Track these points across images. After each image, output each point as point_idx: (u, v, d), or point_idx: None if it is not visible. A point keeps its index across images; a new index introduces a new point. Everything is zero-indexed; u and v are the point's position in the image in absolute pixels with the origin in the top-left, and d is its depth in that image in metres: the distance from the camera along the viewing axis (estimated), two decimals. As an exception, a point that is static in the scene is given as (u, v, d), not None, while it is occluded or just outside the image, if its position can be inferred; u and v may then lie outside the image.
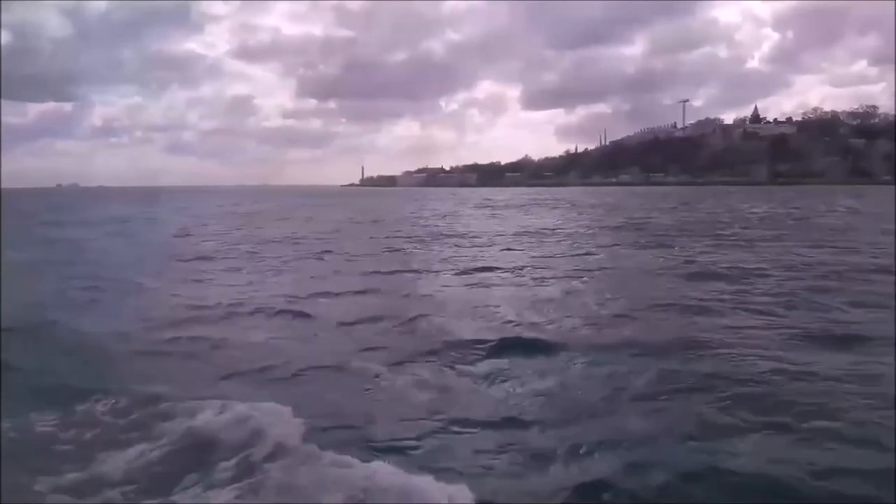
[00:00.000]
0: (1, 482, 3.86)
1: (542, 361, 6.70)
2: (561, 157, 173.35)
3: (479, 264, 15.07)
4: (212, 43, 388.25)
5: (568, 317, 9.02)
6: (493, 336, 7.65)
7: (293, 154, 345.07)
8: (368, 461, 4.12)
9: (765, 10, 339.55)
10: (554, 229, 26.64)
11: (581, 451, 4.49)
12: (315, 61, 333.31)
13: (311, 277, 13.41)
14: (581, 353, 6.93)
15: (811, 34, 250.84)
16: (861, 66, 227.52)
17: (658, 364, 6.39)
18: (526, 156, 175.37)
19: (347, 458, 4.07)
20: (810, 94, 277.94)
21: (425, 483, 3.79)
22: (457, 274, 13.76)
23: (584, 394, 5.73)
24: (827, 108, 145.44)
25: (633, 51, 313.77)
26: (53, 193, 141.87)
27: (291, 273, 14.17)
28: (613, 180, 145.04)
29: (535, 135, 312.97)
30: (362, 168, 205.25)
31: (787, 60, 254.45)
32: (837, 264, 13.92)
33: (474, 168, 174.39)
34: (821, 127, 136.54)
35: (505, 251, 18.27)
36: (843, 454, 4.38)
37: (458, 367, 6.57)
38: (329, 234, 25.65)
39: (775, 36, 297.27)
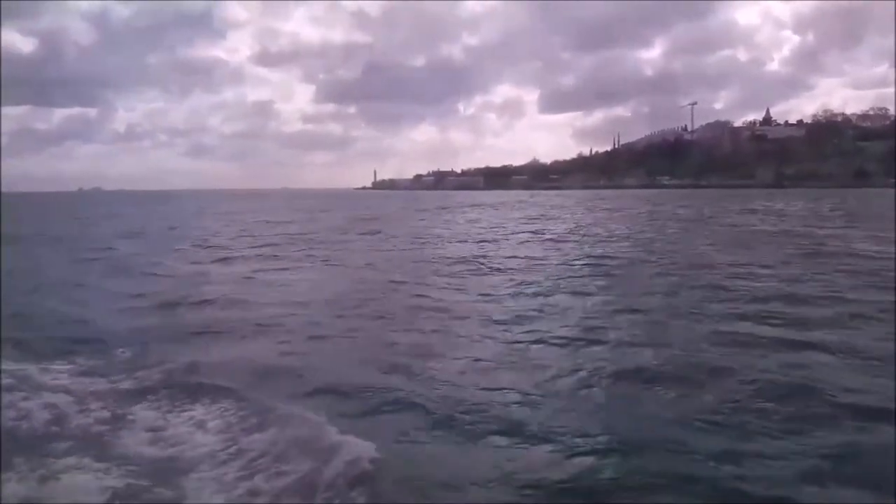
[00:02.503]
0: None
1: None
2: (570, 160, 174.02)
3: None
4: (233, 48, 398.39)
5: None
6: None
7: (313, 158, 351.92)
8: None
9: (784, 12, 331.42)
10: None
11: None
12: (334, 66, 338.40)
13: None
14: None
15: (832, 36, 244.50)
16: (883, 68, 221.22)
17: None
18: (533, 159, 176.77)
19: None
20: (833, 96, 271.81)
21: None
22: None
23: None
24: (849, 111, 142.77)
25: (651, 53, 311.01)
26: (69, 196, 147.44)
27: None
28: (620, 183, 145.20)
29: (553, 138, 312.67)
30: (374, 171, 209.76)
31: (807, 63, 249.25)
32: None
33: (483, 171, 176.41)
34: (829, 130, 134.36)
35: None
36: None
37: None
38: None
39: (795, 38, 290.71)
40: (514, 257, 16.29)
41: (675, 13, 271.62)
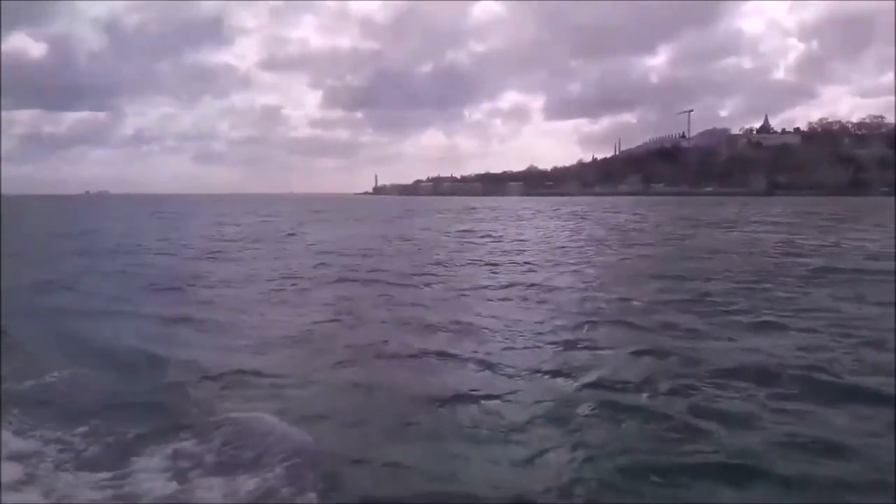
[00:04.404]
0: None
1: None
2: (568, 166, 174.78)
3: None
4: (242, 54, 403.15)
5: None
6: None
7: (320, 163, 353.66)
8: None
9: (789, 21, 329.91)
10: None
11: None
12: (342, 72, 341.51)
13: None
14: None
15: (837, 44, 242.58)
16: (889, 76, 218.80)
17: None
18: (531, 165, 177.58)
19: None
20: (839, 104, 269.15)
21: None
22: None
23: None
24: (855, 119, 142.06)
25: (657, 61, 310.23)
26: (70, 200, 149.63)
27: None
28: (615, 189, 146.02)
29: (559, 144, 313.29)
30: (375, 177, 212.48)
31: (813, 71, 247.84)
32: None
33: (481, 177, 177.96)
34: (824, 138, 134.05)
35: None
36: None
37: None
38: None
39: (801, 46, 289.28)
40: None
41: (681, 21, 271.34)
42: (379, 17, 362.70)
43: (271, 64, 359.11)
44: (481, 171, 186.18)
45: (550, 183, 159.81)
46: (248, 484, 4.05)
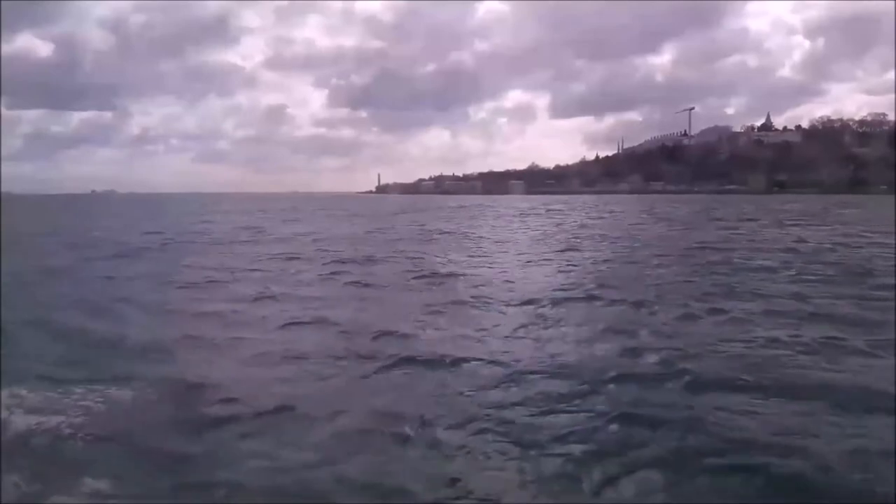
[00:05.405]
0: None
1: None
2: (568, 165, 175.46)
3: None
4: (247, 54, 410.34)
5: None
6: None
7: (325, 162, 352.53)
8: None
9: (794, 19, 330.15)
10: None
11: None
12: (347, 71, 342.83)
13: None
14: None
15: (843, 42, 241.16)
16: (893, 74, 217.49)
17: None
18: (532, 163, 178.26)
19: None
20: (846, 101, 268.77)
21: None
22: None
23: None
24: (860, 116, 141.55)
25: (663, 59, 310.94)
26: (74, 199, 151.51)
27: None
28: (614, 188, 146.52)
29: (563, 143, 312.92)
30: (378, 176, 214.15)
31: (819, 69, 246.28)
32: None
33: (483, 176, 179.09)
34: (826, 135, 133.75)
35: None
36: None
37: None
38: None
39: (806, 44, 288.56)
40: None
41: (685, 20, 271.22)
42: (384, 17, 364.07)
43: (276, 63, 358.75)
44: (485, 169, 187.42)
45: (552, 181, 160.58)
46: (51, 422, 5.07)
